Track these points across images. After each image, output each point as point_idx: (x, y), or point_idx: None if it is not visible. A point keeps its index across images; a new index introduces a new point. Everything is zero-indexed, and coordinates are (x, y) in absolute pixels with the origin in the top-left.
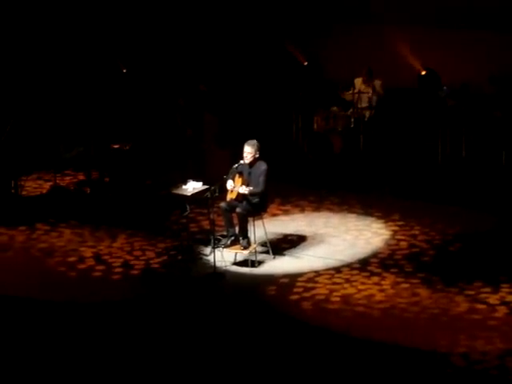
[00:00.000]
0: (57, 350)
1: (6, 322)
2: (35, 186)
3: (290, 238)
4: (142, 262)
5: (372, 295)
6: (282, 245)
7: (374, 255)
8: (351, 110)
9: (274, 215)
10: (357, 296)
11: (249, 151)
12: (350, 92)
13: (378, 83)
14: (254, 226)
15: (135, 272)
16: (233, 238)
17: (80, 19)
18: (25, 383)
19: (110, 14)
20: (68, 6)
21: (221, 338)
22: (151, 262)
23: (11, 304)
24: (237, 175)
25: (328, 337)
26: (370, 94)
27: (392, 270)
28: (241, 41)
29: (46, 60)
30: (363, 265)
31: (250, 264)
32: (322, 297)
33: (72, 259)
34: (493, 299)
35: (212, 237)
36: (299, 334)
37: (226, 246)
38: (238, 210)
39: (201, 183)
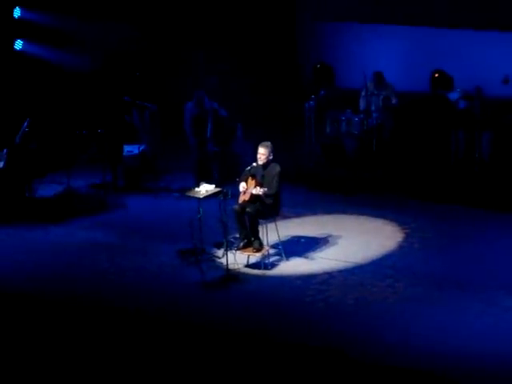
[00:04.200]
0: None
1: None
2: (49, 188)
3: (302, 240)
4: (156, 264)
5: (385, 297)
6: (295, 247)
7: (388, 257)
8: (364, 113)
9: (287, 218)
10: (370, 298)
11: (262, 152)
12: (363, 94)
13: (390, 86)
14: (266, 228)
15: (148, 274)
16: (245, 240)
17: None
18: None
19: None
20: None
21: (233, 340)
22: (164, 264)
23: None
24: (249, 177)
25: (342, 339)
26: (382, 97)
27: (405, 273)
28: (252, 39)
29: (60, 62)
30: (376, 267)
31: (262, 266)
32: (336, 299)
33: (85, 261)
34: (508, 301)
35: (225, 239)
36: (312, 336)
37: (239, 249)
38: (247, 209)
39: (213, 185)
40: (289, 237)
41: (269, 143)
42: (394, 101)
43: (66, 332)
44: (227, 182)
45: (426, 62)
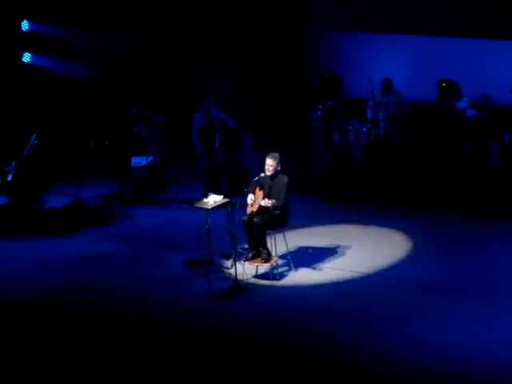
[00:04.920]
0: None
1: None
2: (57, 200)
3: (310, 250)
4: (164, 275)
5: (392, 307)
6: (303, 257)
7: (395, 267)
8: (371, 122)
9: (294, 228)
10: (377, 308)
11: (270, 164)
12: (370, 104)
13: (398, 94)
14: (274, 239)
15: (156, 285)
16: (254, 251)
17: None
18: None
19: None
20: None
21: (241, 351)
22: (172, 275)
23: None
24: (257, 188)
25: (349, 349)
26: (390, 106)
27: (412, 282)
28: (260, 49)
29: (67, 74)
30: (383, 277)
31: (271, 277)
32: (343, 309)
33: (93, 271)
34: None
35: (233, 250)
36: (320, 346)
37: (248, 259)
38: (255, 219)
39: (221, 196)
40: (297, 247)
41: (276, 154)
42: (408, 108)
43: (72, 342)
44: (235, 192)
45: (433, 71)
